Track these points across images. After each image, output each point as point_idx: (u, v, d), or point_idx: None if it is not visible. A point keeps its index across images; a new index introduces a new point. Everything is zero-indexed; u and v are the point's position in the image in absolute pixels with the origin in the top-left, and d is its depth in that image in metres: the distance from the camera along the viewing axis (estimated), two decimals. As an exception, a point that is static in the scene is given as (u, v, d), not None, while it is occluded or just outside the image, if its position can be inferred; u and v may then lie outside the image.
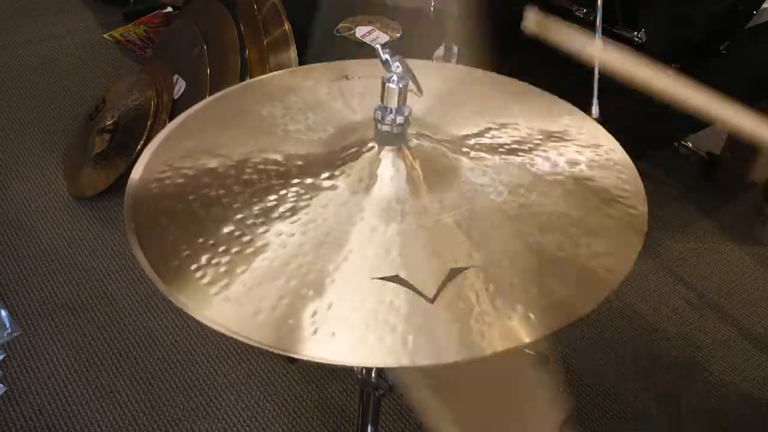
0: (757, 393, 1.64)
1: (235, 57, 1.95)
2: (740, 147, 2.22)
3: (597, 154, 0.84)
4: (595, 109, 1.56)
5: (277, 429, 1.50)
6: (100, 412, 1.51)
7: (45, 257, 1.84)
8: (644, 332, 1.76)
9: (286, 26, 1.93)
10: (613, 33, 1.73)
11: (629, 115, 1.74)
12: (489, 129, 0.85)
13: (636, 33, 1.70)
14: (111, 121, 2.06)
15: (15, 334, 1.59)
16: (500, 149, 0.82)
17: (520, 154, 0.82)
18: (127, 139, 2.00)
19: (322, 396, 1.56)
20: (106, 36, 2.71)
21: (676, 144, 2.29)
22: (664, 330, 1.77)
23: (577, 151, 0.84)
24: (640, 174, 0.81)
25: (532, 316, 0.64)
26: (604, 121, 1.60)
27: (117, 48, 2.66)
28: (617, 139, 0.87)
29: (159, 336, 1.67)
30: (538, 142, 0.84)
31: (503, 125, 0.86)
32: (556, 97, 0.93)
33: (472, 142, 0.83)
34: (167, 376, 1.59)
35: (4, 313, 1.58)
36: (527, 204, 0.75)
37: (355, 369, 0.94)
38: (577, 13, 1.76)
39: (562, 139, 0.85)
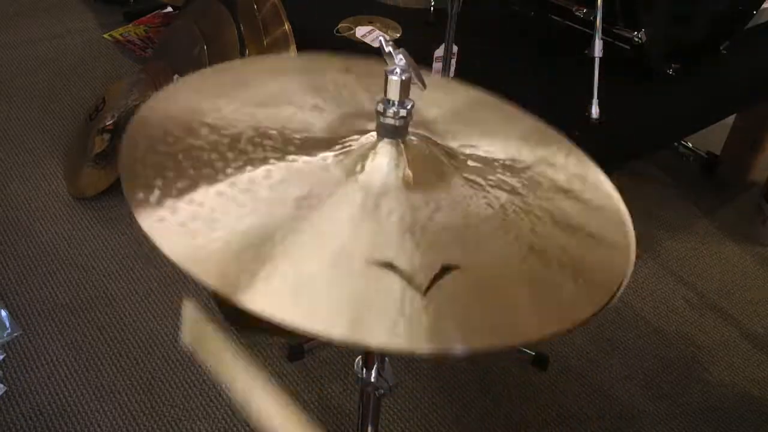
0: (757, 393, 1.64)
1: (235, 57, 1.95)
2: (740, 147, 2.22)
3: (585, 185, 0.83)
4: (594, 109, 1.56)
5: (277, 429, 1.50)
6: (100, 412, 1.51)
7: (45, 257, 1.84)
8: (644, 332, 1.76)
9: (286, 26, 1.93)
10: (613, 33, 1.73)
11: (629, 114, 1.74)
12: (484, 144, 0.85)
13: (636, 33, 1.70)
14: (111, 121, 2.06)
15: (15, 334, 1.59)
16: (495, 163, 0.82)
17: (514, 171, 0.82)
18: (127, 139, 2.00)
19: (322, 396, 1.56)
20: (106, 36, 2.71)
21: (676, 144, 2.29)
22: (664, 330, 1.77)
23: (567, 180, 0.83)
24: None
25: (523, 322, 0.65)
26: (603, 121, 1.61)
27: (117, 48, 2.66)
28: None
29: (159, 336, 1.67)
30: (530, 163, 0.84)
31: (494, 141, 0.86)
32: (548, 127, 0.92)
33: (468, 151, 0.83)
34: (167, 376, 1.59)
35: (4, 313, 1.58)
36: (519, 220, 0.75)
37: (356, 368, 0.94)
38: (577, 13, 1.76)
39: (553, 165, 0.85)
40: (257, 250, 0.66)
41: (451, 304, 0.65)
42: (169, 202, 0.69)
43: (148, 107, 0.81)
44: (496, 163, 0.82)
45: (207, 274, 0.63)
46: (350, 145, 0.78)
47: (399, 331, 0.62)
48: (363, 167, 0.75)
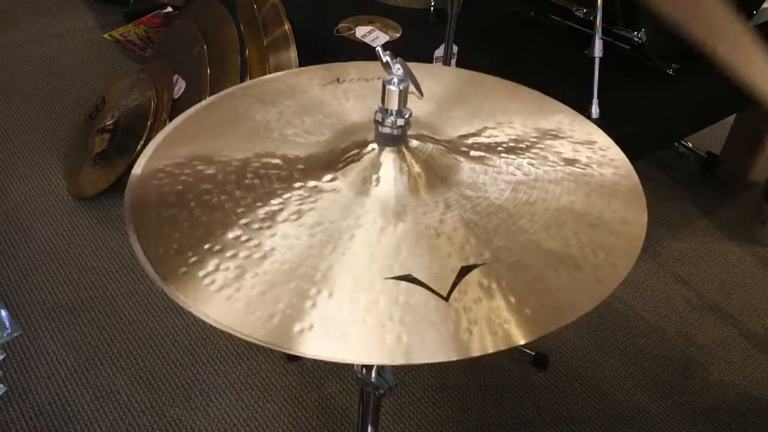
0: (757, 393, 1.64)
1: (235, 57, 1.95)
2: (740, 147, 2.22)
3: (593, 151, 0.84)
4: (594, 109, 1.56)
5: (277, 429, 1.50)
6: (100, 412, 1.51)
7: (45, 257, 1.84)
8: (644, 332, 1.76)
9: (286, 26, 1.93)
10: (613, 33, 1.73)
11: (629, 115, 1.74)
12: (485, 128, 0.86)
13: (636, 33, 1.70)
14: (111, 121, 2.06)
15: (15, 334, 1.59)
16: (499, 148, 0.82)
17: (518, 152, 0.82)
18: (127, 139, 2.00)
19: (322, 396, 1.57)
20: (106, 36, 2.71)
21: (676, 144, 2.29)
22: (664, 330, 1.77)
23: (574, 150, 0.84)
24: (640, 174, 0.82)
25: (534, 315, 0.65)
26: (602, 121, 1.61)
27: (117, 48, 2.66)
28: (614, 138, 0.87)
29: (159, 336, 1.67)
30: (534, 140, 0.84)
31: (499, 124, 0.86)
32: (546, 96, 0.93)
33: (470, 141, 0.83)
34: (167, 376, 1.59)
35: (4, 313, 1.58)
36: (530, 202, 0.75)
37: (355, 368, 0.94)
38: (577, 13, 1.76)
39: (557, 137, 0.85)
40: (285, 291, 0.65)
41: (488, 302, 0.65)
42: (189, 255, 0.69)
43: (148, 159, 0.80)
44: (499, 148, 0.82)
45: (245, 328, 0.63)
46: (352, 160, 0.78)
47: (445, 344, 0.62)
48: (369, 182, 0.76)
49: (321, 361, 1.61)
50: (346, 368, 1.61)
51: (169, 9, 2.77)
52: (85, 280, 1.79)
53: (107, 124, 2.07)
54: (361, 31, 1.98)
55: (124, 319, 1.70)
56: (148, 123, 1.97)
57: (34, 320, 1.68)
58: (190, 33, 2.09)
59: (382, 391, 0.94)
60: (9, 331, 1.58)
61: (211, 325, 0.64)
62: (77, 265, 1.82)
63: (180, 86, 2.04)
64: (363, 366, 0.92)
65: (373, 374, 0.92)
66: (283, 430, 1.50)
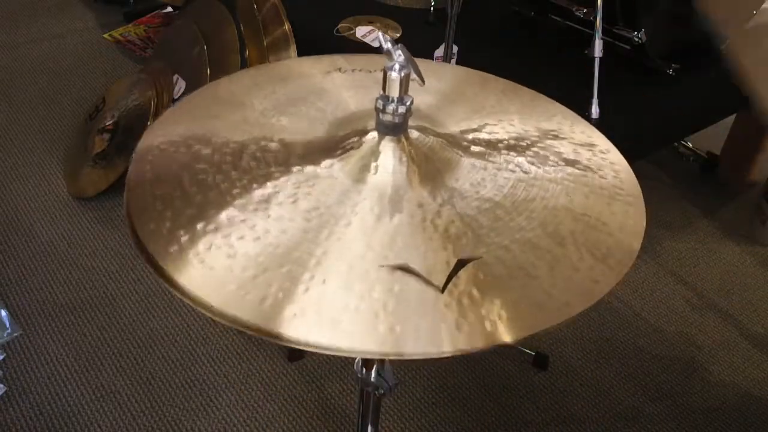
0: (757, 393, 1.64)
1: (235, 57, 1.95)
2: (740, 147, 2.22)
3: (593, 153, 0.84)
4: (594, 109, 1.56)
5: (277, 429, 1.50)
6: (100, 412, 1.51)
7: (45, 257, 1.84)
8: (644, 332, 1.76)
9: (286, 26, 1.93)
10: (613, 33, 1.73)
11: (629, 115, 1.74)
12: (486, 124, 0.85)
13: (636, 33, 1.70)
14: (111, 121, 2.06)
15: (15, 334, 1.59)
16: (499, 144, 0.82)
17: (519, 149, 0.82)
18: (127, 139, 2.01)
19: (322, 396, 1.57)
20: (106, 36, 2.71)
21: (676, 144, 2.29)
22: (664, 330, 1.77)
23: (574, 151, 0.84)
24: (640, 174, 0.82)
25: (527, 312, 0.65)
26: (602, 121, 1.61)
27: (117, 48, 2.66)
28: (614, 138, 0.87)
29: (159, 336, 1.67)
30: (535, 138, 0.84)
31: (500, 121, 0.86)
32: (546, 98, 0.93)
33: (471, 136, 0.83)
34: (167, 376, 1.59)
35: (4, 313, 1.58)
36: (528, 199, 0.75)
37: (355, 368, 0.94)
38: (577, 13, 1.76)
39: (557, 137, 0.85)
40: (277, 274, 0.65)
41: (481, 297, 0.65)
42: (181, 233, 0.69)
43: (147, 139, 0.80)
44: (500, 144, 0.82)
45: (233, 309, 0.63)
46: (352, 147, 0.77)
47: (437, 335, 0.62)
48: (368, 170, 0.75)
49: (321, 361, 1.61)
50: (346, 368, 1.61)
51: (169, 9, 2.77)
52: (85, 280, 1.79)
53: (107, 124, 2.07)
54: (361, 31, 1.98)
55: (124, 319, 1.70)
56: (148, 123, 1.97)
57: (34, 320, 1.68)
58: (190, 33, 2.09)
59: (382, 391, 0.94)
60: (9, 331, 1.58)
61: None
62: (77, 265, 1.82)
63: (180, 86, 2.04)
64: (363, 365, 0.92)
65: (373, 374, 0.92)
66: (283, 430, 1.50)
